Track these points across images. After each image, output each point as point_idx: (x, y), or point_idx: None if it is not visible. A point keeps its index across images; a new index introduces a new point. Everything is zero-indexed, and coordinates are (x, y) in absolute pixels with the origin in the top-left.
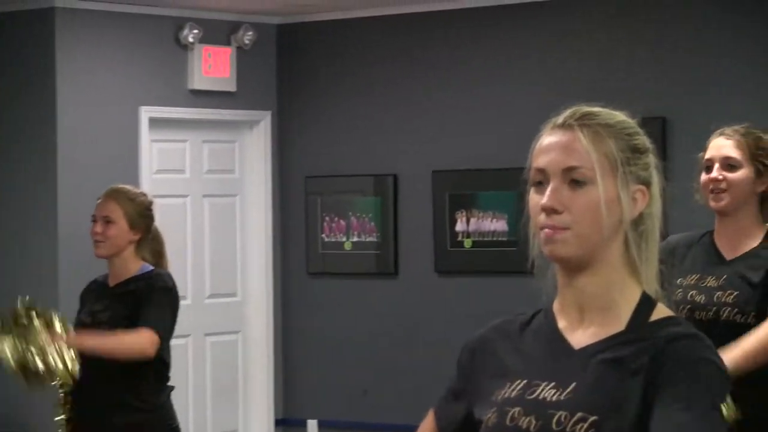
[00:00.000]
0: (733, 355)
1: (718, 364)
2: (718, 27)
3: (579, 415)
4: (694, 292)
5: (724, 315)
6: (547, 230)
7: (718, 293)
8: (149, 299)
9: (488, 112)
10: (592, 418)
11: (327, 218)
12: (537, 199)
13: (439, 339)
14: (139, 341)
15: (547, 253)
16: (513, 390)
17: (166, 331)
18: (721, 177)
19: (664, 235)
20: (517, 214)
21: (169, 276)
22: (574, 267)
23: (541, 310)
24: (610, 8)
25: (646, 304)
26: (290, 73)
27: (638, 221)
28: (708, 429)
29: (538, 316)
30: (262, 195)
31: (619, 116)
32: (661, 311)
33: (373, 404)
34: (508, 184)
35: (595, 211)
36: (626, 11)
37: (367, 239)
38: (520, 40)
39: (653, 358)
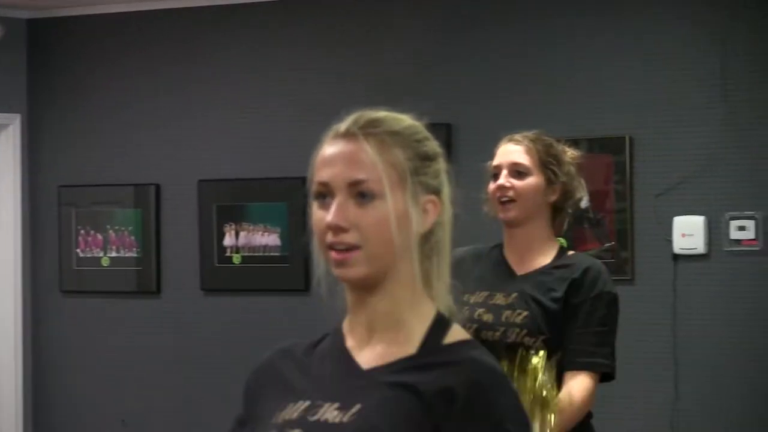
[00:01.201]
0: None
1: (516, 401)
2: (505, 33)
3: None
4: (481, 310)
5: (512, 337)
6: (335, 251)
7: (507, 312)
8: None
9: (258, 118)
10: None
11: (82, 231)
12: (321, 215)
13: (206, 362)
14: None
15: (337, 275)
16: (295, 411)
17: None
18: (509, 184)
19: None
20: (291, 228)
21: None
22: (365, 286)
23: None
24: (392, 6)
25: (439, 324)
26: (42, 73)
27: (429, 233)
28: None
29: (328, 337)
30: (10, 206)
31: (406, 121)
32: (456, 333)
33: None
34: (280, 195)
35: (385, 228)
36: (408, 11)
37: (127, 254)
38: (292, 40)
39: (446, 389)
